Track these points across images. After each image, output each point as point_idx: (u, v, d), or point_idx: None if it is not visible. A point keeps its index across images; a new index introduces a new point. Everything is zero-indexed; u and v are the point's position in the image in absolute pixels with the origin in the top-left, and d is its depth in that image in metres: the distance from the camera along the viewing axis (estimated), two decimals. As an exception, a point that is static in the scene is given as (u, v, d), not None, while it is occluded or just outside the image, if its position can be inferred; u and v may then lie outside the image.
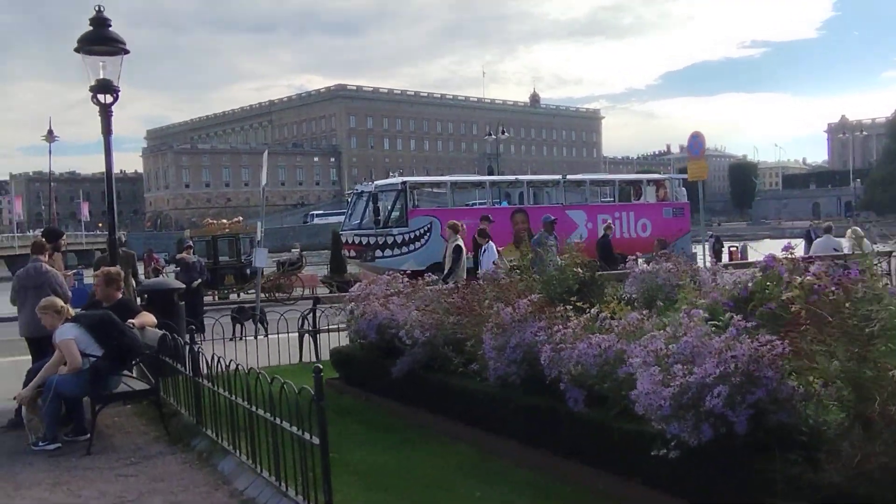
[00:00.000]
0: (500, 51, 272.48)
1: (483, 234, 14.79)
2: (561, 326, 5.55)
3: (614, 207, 28.56)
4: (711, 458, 4.17)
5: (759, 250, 31.29)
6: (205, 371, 6.71)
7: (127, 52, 9.27)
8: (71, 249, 79.60)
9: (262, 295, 26.86)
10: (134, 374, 7.71)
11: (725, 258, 36.51)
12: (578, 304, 6.40)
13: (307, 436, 4.64)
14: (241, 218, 29.52)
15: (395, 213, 26.83)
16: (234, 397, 5.89)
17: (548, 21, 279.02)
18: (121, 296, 8.10)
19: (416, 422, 7.08)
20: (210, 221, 27.18)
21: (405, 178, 28.05)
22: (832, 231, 15.93)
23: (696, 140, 18.05)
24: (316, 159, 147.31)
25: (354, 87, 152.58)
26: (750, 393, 3.84)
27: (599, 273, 7.50)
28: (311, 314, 11.02)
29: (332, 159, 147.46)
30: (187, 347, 6.95)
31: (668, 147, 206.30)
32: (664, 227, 28.49)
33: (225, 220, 27.39)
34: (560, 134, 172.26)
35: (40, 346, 8.73)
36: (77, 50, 9.19)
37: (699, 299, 6.43)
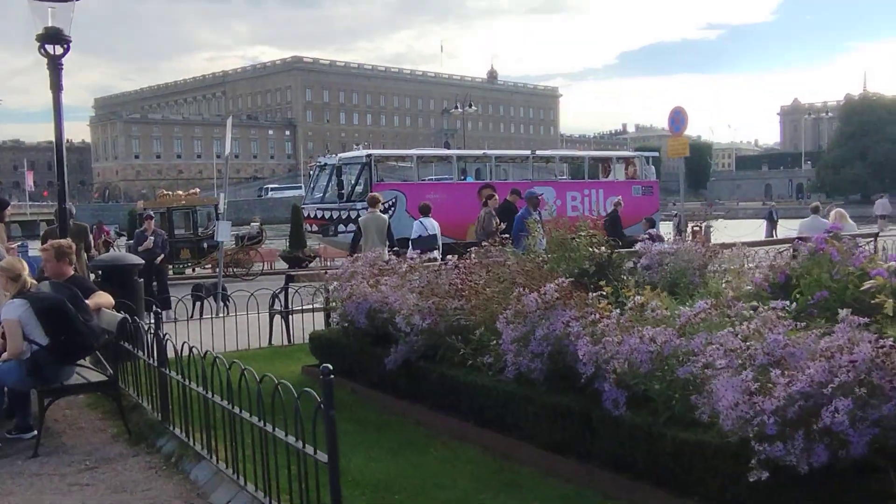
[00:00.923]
0: (458, 27, 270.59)
1: (425, 209, 14.48)
2: (597, 315, 4.78)
3: (583, 184, 27.98)
4: (802, 478, 3.45)
5: (721, 230, 31.07)
6: (170, 356, 5.84)
7: (80, -3, 8.19)
8: (14, 220, 76.80)
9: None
10: (88, 363, 6.75)
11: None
12: (603, 286, 5.65)
13: (310, 450, 3.80)
14: (197, 190, 28.18)
15: (360, 187, 25.89)
16: (210, 395, 5.02)
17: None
18: (73, 272, 7.12)
19: (415, 419, 6.27)
20: (164, 192, 25.85)
21: (370, 151, 27.15)
22: (819, 211, 15.47)
23: (679, 115, 17.46)
24: (271, 132, 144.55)
25: (311, 60, 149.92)
26: (873, 407, 3.10)
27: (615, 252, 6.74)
28: (282, 293, 10.10)
29: (288, 132, 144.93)
30: (151, 332, 6.04)
31: (625, 126, 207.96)
32: (633, 205, 27.98)
33: (181, 192, 26.08)
34: (518, 111, 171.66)
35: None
36: (21, -7, 8.09)
37: (740, 285, 5.73)
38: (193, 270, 25.24)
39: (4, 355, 6.14)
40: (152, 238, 15.23)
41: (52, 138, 8.67)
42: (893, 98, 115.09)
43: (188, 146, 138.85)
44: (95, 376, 6.41)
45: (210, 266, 25.15)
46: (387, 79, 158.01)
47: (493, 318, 5.81)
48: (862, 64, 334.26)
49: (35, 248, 25.46)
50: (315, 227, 26.23)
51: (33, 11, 8.17)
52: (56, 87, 8.20)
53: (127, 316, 6.45)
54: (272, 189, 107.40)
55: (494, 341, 5.52)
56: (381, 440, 5.88)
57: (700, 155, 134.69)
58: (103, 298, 6.92)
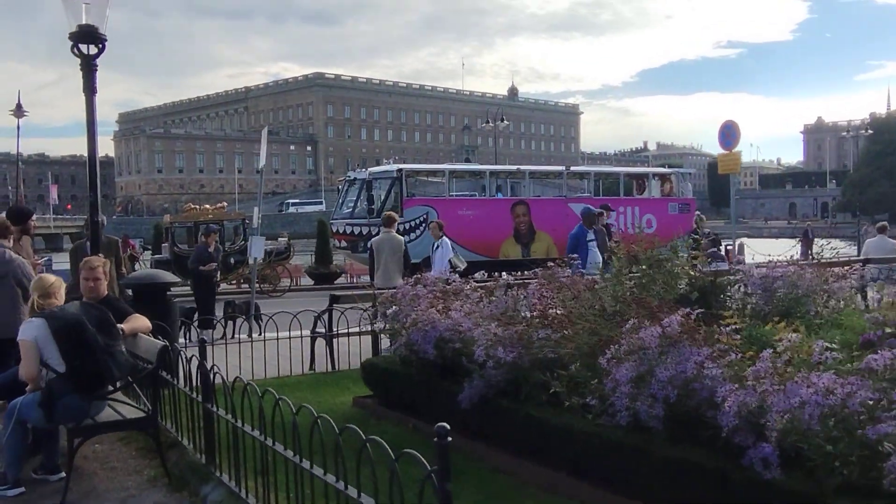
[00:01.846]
0: (478, 44, 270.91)
1: (441, 227, 13.29)
2: (737, 355, 3.97)
3: (619, 201, 27.12)
4: None
5: (754, 249, 30.08)
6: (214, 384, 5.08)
7: (116, -9, 7.51)
8: (38, 233, 76.80)
9: (246, 286, 25.16)
10: (122, 395, 6.00)
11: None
12: (728, 317, 4.84)
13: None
14: (224, 203, 27.64)
15: (390, 202, 25.20)
16: (271, 442, 4.24)
17: (526, 15, 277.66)
18: (107, 292, 6.39)
19: (494, 466, 5.47)
20: (192, 206, 25.29)
21: (400, 166, 26.44)
22: (887, 231, 14.56)
23: (730, 130, 16.56)
24: (292, 147, 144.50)
25: (332, 76, 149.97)
26: None
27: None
28: (326, 315, 9.34)
29: (309, 148, 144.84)
30: (194, 361, 5.28)
31: (646, 144, 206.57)
32: (669, 223, 27.11)
33: (208, 206, 25.50)
34: (538, 128, 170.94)
35: (3, 350, 7.02)
36: (55, -13, 7.42)
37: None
38: (219, 286, 24.58)
39: (28, 387, 5.42)
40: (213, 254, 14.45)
41: (76, 152, 8.11)
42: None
43: (210, 161, 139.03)
44: (131, 412, 5.65)
45: (235, 282, 24.50)
46: (408, 95, 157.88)
47: (590, 352, 5.03)
48: (885, 82, 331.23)
49: (60, 261, 24.95)
50: (344, 243, 25.57)
51: (66, 8, 7.49)
52: (90, 89, 7.51)
53: (167, 343, 5.70)
54: (293, 204, 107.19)
55: (596, 380, 4.73)
56: (458, 491, 5.06)
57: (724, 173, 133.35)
58: (140, 322, 6.18)
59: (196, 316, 12.17)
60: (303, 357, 9.28)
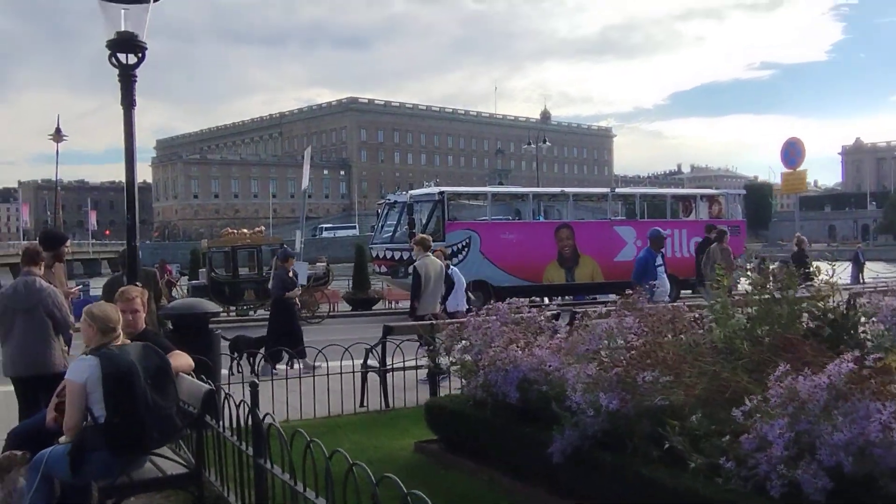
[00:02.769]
0: (509, 67, 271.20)
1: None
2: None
3: (665, 224, 26.12)
4: None
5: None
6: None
7: (157, -5, 6.90)
8: (77, 258, 77.26)
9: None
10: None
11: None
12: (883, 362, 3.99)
13: None
14: (262, 228, 27.11)
15: (431, 226, 24.48)
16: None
17: (557, 39, 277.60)
18: (145, 326, 5.70)
19: (594, 533, 4.64)
20: (230, 231, 24.75)
21: (442, 188, 25.70)
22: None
23: (794, 147, 15.72)
24: (325, 172, 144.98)
25: (366, 100, 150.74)
26: None
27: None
28: (380, 347, 8.58)
29: (342, 172, 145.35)
30: (244, 406, 4.52)
31: (679, 167, 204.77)
32: (719, 246, 26.19)
33: (245, 230, 24.96)
34: (571, 151, 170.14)
35: (33, 390, 6.35)
36: (92, -8, 6.82)
37: None
38: (255, 312, 23.98)
39: (62, 438, 4.70)
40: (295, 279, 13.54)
41: (115, 178, 7.34)
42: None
43: (245, 186, 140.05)
44: (171, 466, 4.90)
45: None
46: (441, 119, 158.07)
47: (710, 400, 4.21)
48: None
49: (98, 287, 24.54)
50: (384, 268, 24.83)
51: (104, 14, 6.88)
52: (128, 102, 6.87)
53: (213, 387, 4.97)
54: (327, 229, 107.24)
55: (728, 437, 3.90)
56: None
57: (761, 195, 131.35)
58: (181, 360, 5.45)
59: (263, 347, 11.11)
60: (355, 392, 8.51)
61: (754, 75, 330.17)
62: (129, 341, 4.89)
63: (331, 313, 24.61)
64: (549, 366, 5.15)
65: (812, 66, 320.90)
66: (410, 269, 10.78)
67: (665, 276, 10.96)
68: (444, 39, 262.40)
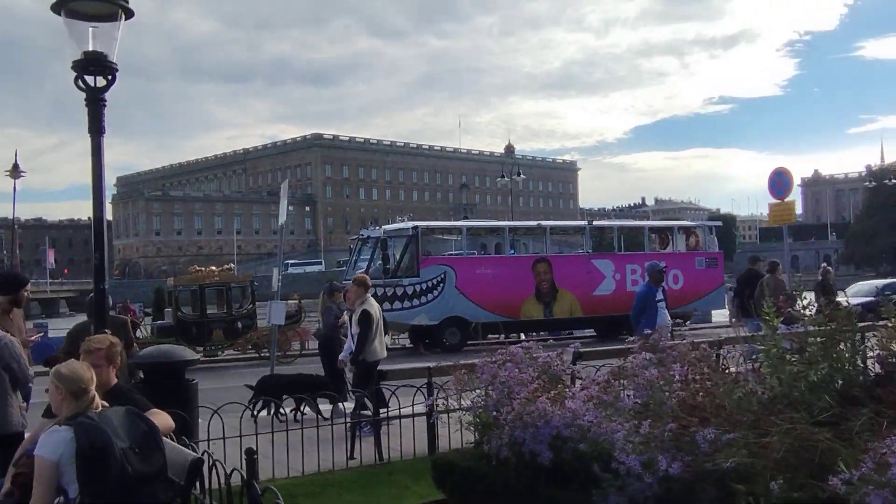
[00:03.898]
0: (474, 102, 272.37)
1: (363, 284, 10.33)
2: None
3: (644, 257, 25.75)
4: None
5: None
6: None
7: (130, 12, 6.26)
8: (35, 297, 75.05)
9: (252, 352, 23.63)
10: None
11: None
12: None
13: None
14: (231, 265, 26.22)
15: (406, 262, 23.89)
16: None
17: (522, 74, 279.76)
18: (116, 380, 4.97)
19: None
20: (197, 269, 23.82)
21: (416, 223, 25.12)
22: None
23: (782, 177, 15.33)
24: (291, 208, 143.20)
25: (330, 136, 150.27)
26: None
27: None
28: (375, 397, 7.87)
29: (307, 208, 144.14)
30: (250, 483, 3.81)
31: (643, 199, 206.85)
32: (697, 278, 25.82)
33: (214, 267, 24.07)
34: (536, 185, 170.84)
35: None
36: (56, 8, 6.16)
37: None
38: (223, 352, 23.05)
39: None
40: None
41: (74, 216, 6.63)
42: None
43: (209, 223, 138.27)
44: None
45: (240, 348, 22.98)
46: (405, 154, 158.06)
47: (794, 461, 3.62)
48: (877, 136, 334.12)
49: (57, 328, 23.41)
50: (358, 305, 24.09)
51: (70, 33, 6.22)
52: (97, 128, 6.18)
53: (198, 456, 4.25)
54: (293, 265, 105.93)
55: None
56: None
57: (725, 227, 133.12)
58: (160, 421, 4.71)
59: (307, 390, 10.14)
60: (346, 443, 7.79)
61: (714, 109, 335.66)
62: (105, 404, 4.16)
63: (303, 352, 23.81)
64: (584, 420, 4.52)
65: (769, 100, 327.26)
66: (357, 314, 9.76)
67: (666, 311, 10.43)
68: (409, 76, 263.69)
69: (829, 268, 16.23)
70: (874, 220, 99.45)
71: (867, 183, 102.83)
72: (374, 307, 10.07)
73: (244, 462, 3.99)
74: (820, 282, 16.00)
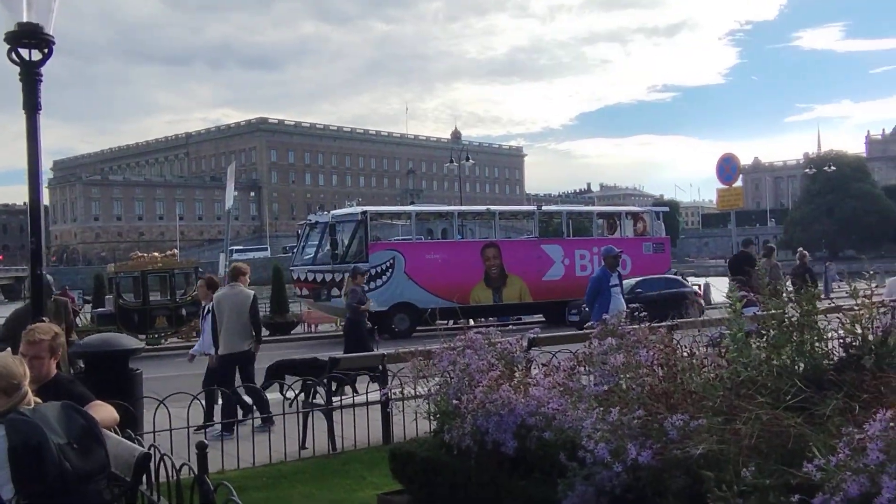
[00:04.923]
0: (420, 88, 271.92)
1: (211, 284, 10.35)
2: None
3: (592, 242, 25.95)
4: None
5: (719, 287, 29.25)
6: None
7: (68, -18, 5.90)
8: (-33, 286, 72.56)
9: (197, 339, 23.10)
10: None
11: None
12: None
13: None
14: (175, 251, 25.64)
15: (354, 247, 23.65)
16: None
17: (466, 60, 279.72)
18: (56, 371, 4.70)
19: None
20: (139, 255, 23.21)
21: (365, 208, 24.90)
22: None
23: (729, 163, 15.49)
24: (235, 193, 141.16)
25: (276, 121, 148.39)
26: None
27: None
28: (327, 384, 7.66)
29: (252, 193, 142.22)
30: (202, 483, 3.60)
31: (589, 185, 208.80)
32: (645, 264, 26.07)
33: (157, 253, 23.49)
34: (483, 171, 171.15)
35: None
36: (-15, -24, 5.79)
37: None
38: (166, 340, 22.52)
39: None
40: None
41: (7, 202, 6.27)
42: (854, 156, 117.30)
43: (150, 208, 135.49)
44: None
45: (185, 336, 22.48)
46: (352, 140, 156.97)
47: (765, 448, 3.56)
48: (814, 124, 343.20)
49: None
50: (306, 291, 23.81)
51: (4, 4, 5.87)
52: (32, 105, 5.84)
53: (146, 450, 4.02)
54: (237, 251, 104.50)
55: (797, 497, 3.22)
56: None
57: (670, 213, 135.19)
58: (104, 414, 4.46)
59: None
60: (298, 434, 7.59)
61: (657, 97, 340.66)
62: (39, 400, 3.90)
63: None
64: (550, 408, 4.41)
65: (710, 88, 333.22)
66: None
67: (621, 296, 10.42)
68: (356, 62, 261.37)
69: (806, 252, 16.22)
70: (811, 207, 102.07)
71: (806, 170, 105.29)
72: (222, 296, 9.57)
73: (194, 455, 3.77)
74: (797, 266, 16.01)
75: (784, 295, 4.57)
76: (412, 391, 5.95)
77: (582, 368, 4.69)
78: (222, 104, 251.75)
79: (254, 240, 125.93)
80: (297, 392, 7.84)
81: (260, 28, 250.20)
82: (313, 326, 27.64)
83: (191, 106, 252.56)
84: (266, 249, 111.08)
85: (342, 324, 26.48)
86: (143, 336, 21.96)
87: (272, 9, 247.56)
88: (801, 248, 16.88)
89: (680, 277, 26.30)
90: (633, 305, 8.84)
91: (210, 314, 9.55)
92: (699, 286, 35.92)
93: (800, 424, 3.69)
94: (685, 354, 4.77)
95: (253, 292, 9.62)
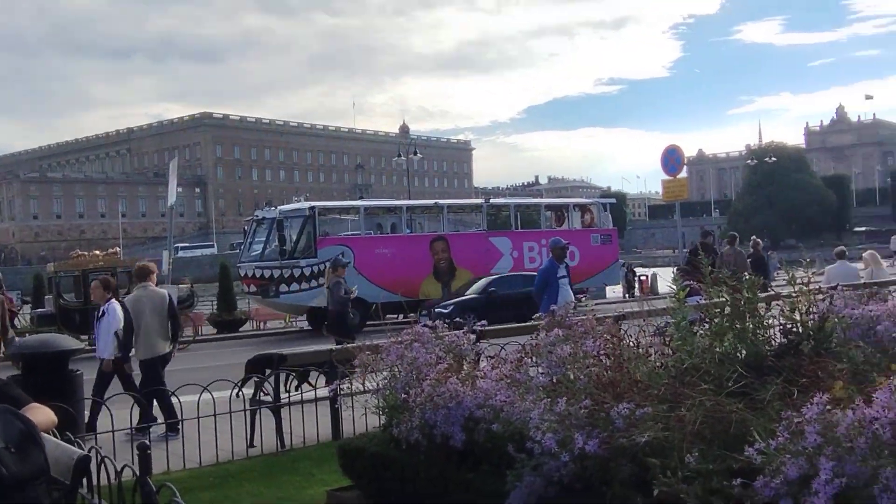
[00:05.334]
0: (367, 83, 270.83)
1: (107, 285, 10.06)
2: None
3: (540, 234, 26.14)
4: None
5: (666, 278, 29.74)
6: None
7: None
8: None
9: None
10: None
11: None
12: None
13: None
14: (117, 249, 25.09)
15: (302, 243, 23.49)
16: None
17: (414, 54, 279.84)
18: (-10, 374, 4.54)
19: None
20: (80, 253, 22.67)
21: (313, 203, 24.69)
22: (845, 256, 13.84)
23: (674, 154, 15.74)
24: (180, 190, 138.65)
25: (221, 115, 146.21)
26: None
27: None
28: (273, 380, 7.59)
29: (198, 190, 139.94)
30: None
31: (537, 178, 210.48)
32: (593, 255, 26.37)
33: (98, 252, 22.96)
34: (431, 165, 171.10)
35: None
36: None
37: None
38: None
39: None
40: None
41: None
42: (794, 147, 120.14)
43: (91, 206, 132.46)
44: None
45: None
46: (299, 134, 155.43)
47: (708, 433, 3.63)
48: (755, 116, 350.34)
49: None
50: (253, 288, 23.56)
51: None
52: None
53: (86, 452, 3.93)
54: (183, 248, 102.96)
55: (739, 481, 3.29)
56: None
57: (617, 204, 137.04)
58: (41, 416, 4.32)
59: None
60: (246, 432, 7.49)
61: (603, 90, 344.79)
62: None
63: (196, 338, 23.12)
64: (497, 400, 4.42)
65: (655, 81, 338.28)
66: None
67: (569, 287, 10.51)
68: (301, 54, 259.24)
69: (759, 240, 16.32)
70: (753, 198, 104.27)
71: (748, 161, 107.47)
72: (138, 297, 9.44)
73: (136, 457, 3.69)
74: (752, 253, 16.14)
75: (724, 283, 4.64)
76: (361, 386, 5.94)
77: (529, 360, 4.71)
78: (165, 98, 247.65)
79: (200, 237, 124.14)
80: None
81: (203, 20, 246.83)
82: (261, 323, 27.38)
83: (132, 100, 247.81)
84: (213, 246, 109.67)
85: (291, 319, 26.41)
86: (85, 337, 21.50)
87: (215, 0, 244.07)
88: (754, 237, 17.11)
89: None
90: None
91: (105, 316, 9.22)
92: (646, 276, 36.53)
93: (741, 410, 3.77)
94: (630, 344, 4.83)
95: (167, 291, 9.50)
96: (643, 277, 36.33)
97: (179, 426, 7.66)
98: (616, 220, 34.90)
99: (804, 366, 3.89)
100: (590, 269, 26.02)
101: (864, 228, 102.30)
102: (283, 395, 7.80)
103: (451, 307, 19.21)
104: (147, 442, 3.82)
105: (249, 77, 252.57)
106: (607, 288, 30.46)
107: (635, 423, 3.92)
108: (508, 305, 18.83)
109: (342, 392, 6.46)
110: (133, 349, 9.06)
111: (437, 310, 19.72)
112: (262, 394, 7.76)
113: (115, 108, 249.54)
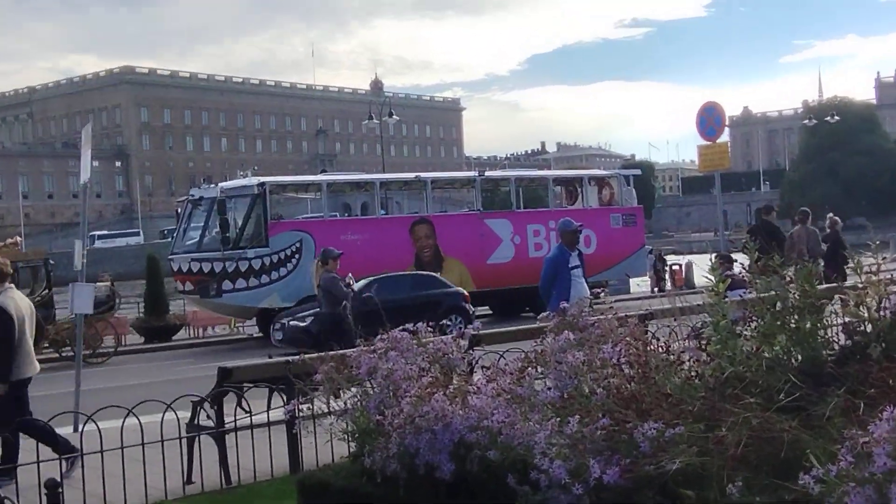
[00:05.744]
0: (329, 27, 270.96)
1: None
2: None
3: (547, 214, 26.30)
4: None
5: (703, 267, 29.99)
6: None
7: None
8: None
9: (50, 350, 22.69)
10: None
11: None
12: None
13: None
14: (17, 238, 25.06)
15: (250, 228, 23.55)
16: None
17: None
18: None
19: None
20: (-29, 245, 22.65)
21: (262, 179, 24.72)
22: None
23: (712, 114, 15.77)
24: (96, 164, 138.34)
25: (145, 70, 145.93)
26: None
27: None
28: (214, 403, 7.62)
29: (119, 164, 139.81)
30: None
31: (543, 145, 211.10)
32: (613, 240, 26.54)
33: (-6, 243, 22.95)
34: (412, 129, 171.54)
35: None
36: None
37: None
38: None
39: None
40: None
41: None
42: (863, 103, 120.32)
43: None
44: None
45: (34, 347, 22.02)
46: (245, 93, 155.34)
47: (754, 458, 3.70)
48: (814, 65, 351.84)
49: None
50: (190, 286, 23.62)
51: None
52: None
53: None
54: (101, 237, 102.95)
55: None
56: None
57: (643, 177, 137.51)
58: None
59: None
60: (182, 465, 7.53)
61: (625, 34, 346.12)
62: None
63: (119, 349, 23.18)
64: (493, 420, 4.47)
65: (690, 23, 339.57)
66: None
67: (583, 279, 10.59)
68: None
69: (838, 219, 16.23)
70: (812, 166, 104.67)
71: (805, 121, 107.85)
72: (16, 303, 9.26)
73: (44, 496, 3.72)
74: (829, 234, 16.05)
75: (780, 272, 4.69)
76: (325, 407, 5.98)
77: (534, 370, 4.77)
78: (74, 49, 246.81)
79: (122, 222, 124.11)
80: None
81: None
82: (201, 330, 27.45)
83: (31, 51, 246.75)
84: (138, 234, 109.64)
85: (237, 325, 26.47)
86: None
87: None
88: (831, 214, 17.09)
89: (438, 276, 24.38)
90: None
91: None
92: (679, 266, 36.82)
93: (795, 428, 3.83)
94: (659, 349, 4.89)
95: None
96: (675, 267, 36.66)
97: (78, 460, 7.56)
98: (641, 196, 35.07)
99: (872, 373, 3.96)
100: (609, 258, 26.20)
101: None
102: (229, 419, 7.84)
103: (311, 318, 18.19)
104: (57, 479, 3.84)
105: (180, 21, 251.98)
106: (631, 280, 30.70)
107: (664, 446, 3.99)
108: (393, 314, 18.57)
109: (301, 414, 6.52)
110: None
111: (291, 322, 19.39)
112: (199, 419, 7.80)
113: (9, 60, 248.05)
